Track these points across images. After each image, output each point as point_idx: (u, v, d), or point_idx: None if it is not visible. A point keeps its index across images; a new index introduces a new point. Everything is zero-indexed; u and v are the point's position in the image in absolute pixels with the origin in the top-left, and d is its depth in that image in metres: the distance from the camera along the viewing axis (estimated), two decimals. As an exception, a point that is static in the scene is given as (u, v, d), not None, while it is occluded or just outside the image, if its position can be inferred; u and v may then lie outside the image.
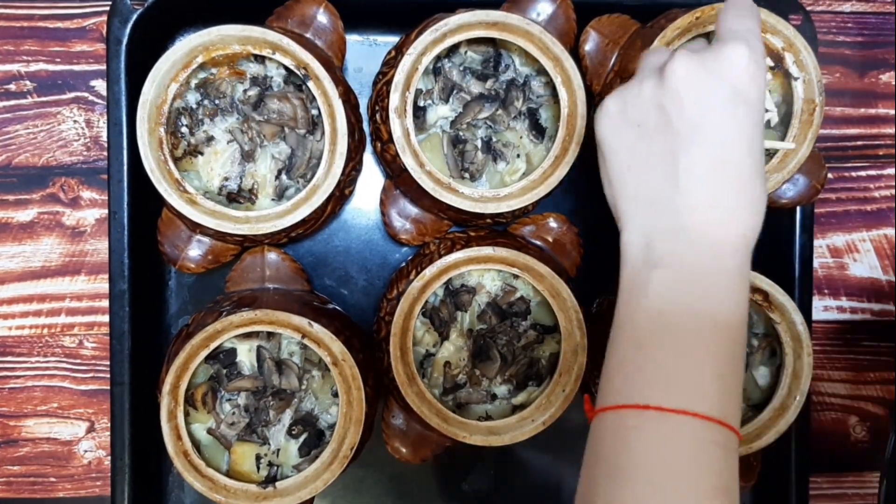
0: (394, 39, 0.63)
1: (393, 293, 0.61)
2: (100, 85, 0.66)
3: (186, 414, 0.57)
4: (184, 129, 0.59)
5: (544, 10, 0.61)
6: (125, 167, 0.60)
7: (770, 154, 0.60)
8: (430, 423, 0.57)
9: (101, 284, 0.66)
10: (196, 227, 0.59)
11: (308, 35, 0.60)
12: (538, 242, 0.64)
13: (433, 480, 0.68)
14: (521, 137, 0.61)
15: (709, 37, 0.60)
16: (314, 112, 0.60)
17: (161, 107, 0.57)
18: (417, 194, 0.61)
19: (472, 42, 0.61)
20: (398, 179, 0.62)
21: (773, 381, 0.60)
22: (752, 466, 0.62)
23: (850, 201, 0.71)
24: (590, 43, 0.62)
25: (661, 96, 0.42)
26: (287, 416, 0.58)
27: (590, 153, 0.66)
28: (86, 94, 0.66)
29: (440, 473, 0.67)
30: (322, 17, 0.61)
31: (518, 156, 0.61)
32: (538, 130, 0.61)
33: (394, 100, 0.57)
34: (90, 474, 0.67)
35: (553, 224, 0.64)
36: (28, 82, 0.66)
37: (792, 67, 0.58)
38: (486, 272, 0.61)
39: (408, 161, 0.57)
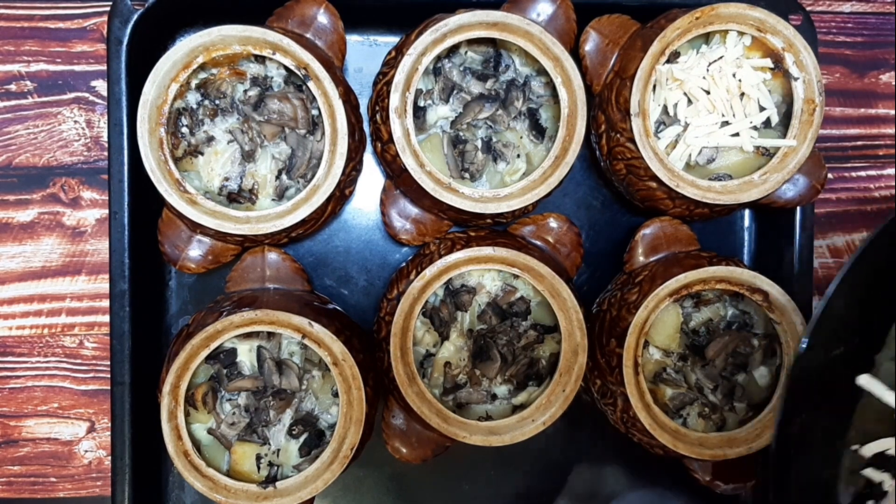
0: (394, 40, 0.63)
1: (393, 293, 0.61)
2: (100, 85, 0.67)
3: (187, 414, 0.57)
4: (184, 130, 0.59)
5: (544, 10, 0.61)
6: (126, 167, 0.60)
7: (770, 154, 0.60)
8: (431, 423, 0.57)
9: (102, 284, 0.66)
10: (196, 228, 0.59)
11: (308, 35, 0.60)
12: (538, 242, 0.64)
13: (433, 480, 0.68)
14: (521, 137, 0.61)
15: (708, 37, 0.60)
16: (314, 112, 0.60)
17: (161, 107, 0.57)
18: (417, 194, 0.61)
19: (472, 42, 0.61)
20: (398, 180, 0.62)
21: (773, 381, 0.60)
22: (751, 466, 0.62)
23: (850, 201, 0.71)
24: (590, 43, 0.62)
25: None
26: (287, 416, 0.58)
27: (590, 153, 0.66)
28: (86, 95, 0.67)
29: (440, 473, 0.67)
30: (322, 18, 0.61)
31: (518, 156, 0.61)
32: (538, 130, 0.61)
33: (394, 100, 0.57)
34: (90, 474, 0.67)
35: (553, 224, 0.64)
36: (29, 82, 0.66)
37: (792, 67, 0.58)
38: (486, 272, 0.61)
39: (408, 161, 0.57)
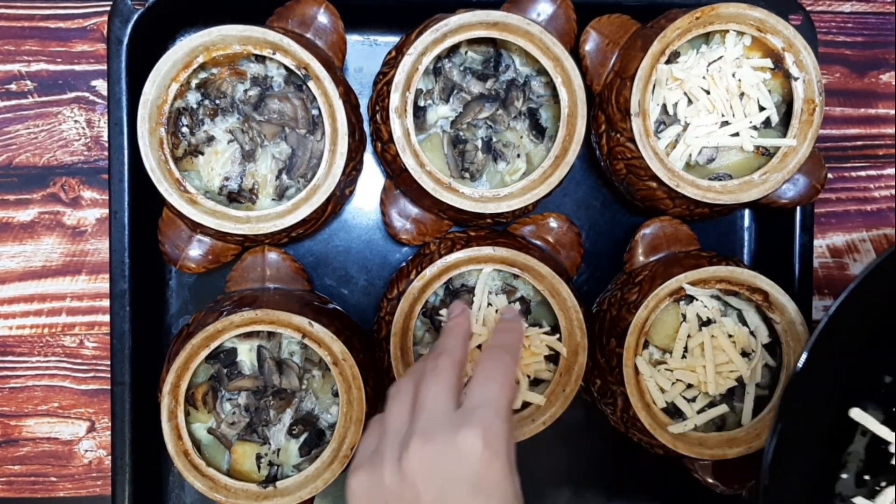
0: (394, 39, 0.63)
1: (393, 293, 0.61)
2: (100, 85, 0.67)
3: (187, 413, 0.57)
4: (184, 129, 0.59)
5: (544, 10, 0.61)
6: (126, 167, 0.60)
7: (770, 154, 0.60)
8: (431, 423, 0.57)
9: (102, 284, 0.66)
10: (196, 227, 0.59)
11: (308, 35, 0.60)
12: (538, 242, 0.64)
13: (433, 480, 0.67)
14: (521, 137, 0.61)
15: (708, 37, 0.60)
16: (315, 112, 0.60)
17: (162, 107, 0.57)
18: (418, 194, 0.61)
19: (472, 42, 0.61)
20: (398, 179, 0.62)
21: (773, 381, 0.60)
22: (751, 466, 0.62)
23: (850, 201, 0.71)
24: (590, 43, 0.62)
25: (401, 489, 0.41)
26: (287, 416, 0.58)
27: (589, 153, 0.66)
28: (86, 94, 0.67)
29: (440, 473, 0.67)
30: (322, 18, 0.61)
31: (518, 156, 0.61)
32: (538, 130, 0.61)
33: (394, 100, 0.57)
34: (91, 474, 0.67)
35: (553, 224, 0.64)
36: (29, 82, 0.66)
37: (792, 67, 0.58)
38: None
39: (408, 161, 0.57)
